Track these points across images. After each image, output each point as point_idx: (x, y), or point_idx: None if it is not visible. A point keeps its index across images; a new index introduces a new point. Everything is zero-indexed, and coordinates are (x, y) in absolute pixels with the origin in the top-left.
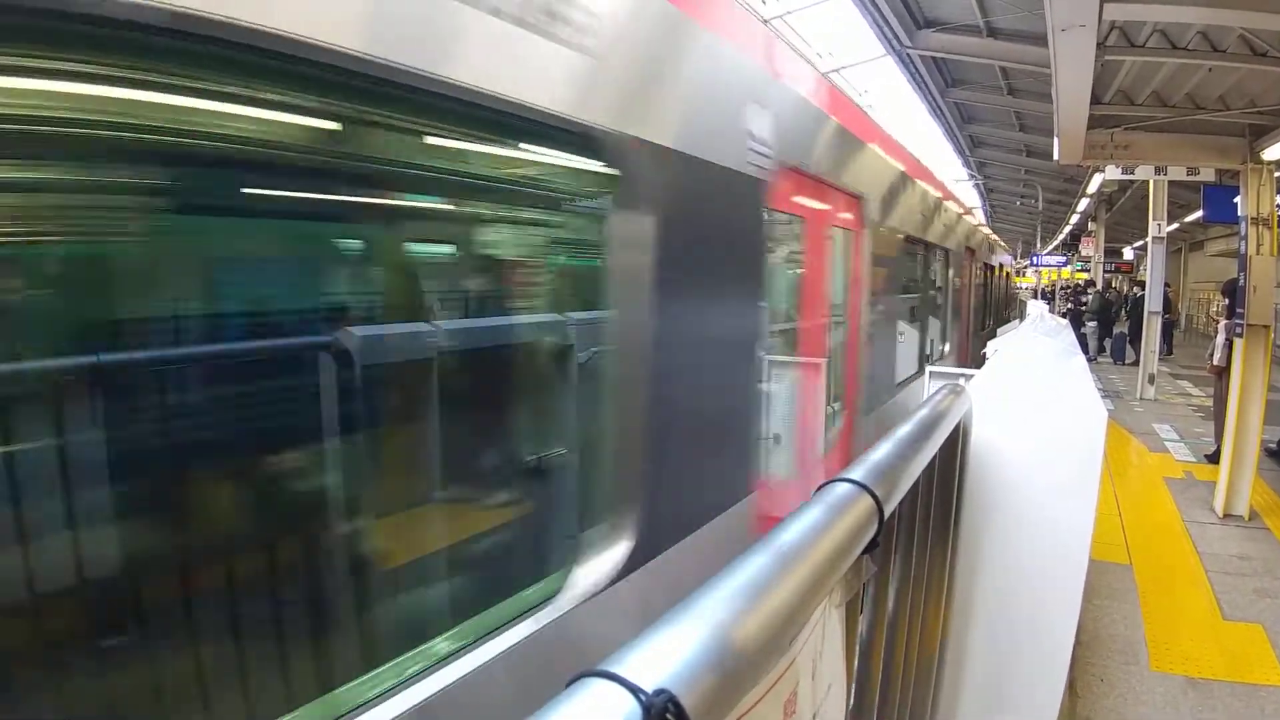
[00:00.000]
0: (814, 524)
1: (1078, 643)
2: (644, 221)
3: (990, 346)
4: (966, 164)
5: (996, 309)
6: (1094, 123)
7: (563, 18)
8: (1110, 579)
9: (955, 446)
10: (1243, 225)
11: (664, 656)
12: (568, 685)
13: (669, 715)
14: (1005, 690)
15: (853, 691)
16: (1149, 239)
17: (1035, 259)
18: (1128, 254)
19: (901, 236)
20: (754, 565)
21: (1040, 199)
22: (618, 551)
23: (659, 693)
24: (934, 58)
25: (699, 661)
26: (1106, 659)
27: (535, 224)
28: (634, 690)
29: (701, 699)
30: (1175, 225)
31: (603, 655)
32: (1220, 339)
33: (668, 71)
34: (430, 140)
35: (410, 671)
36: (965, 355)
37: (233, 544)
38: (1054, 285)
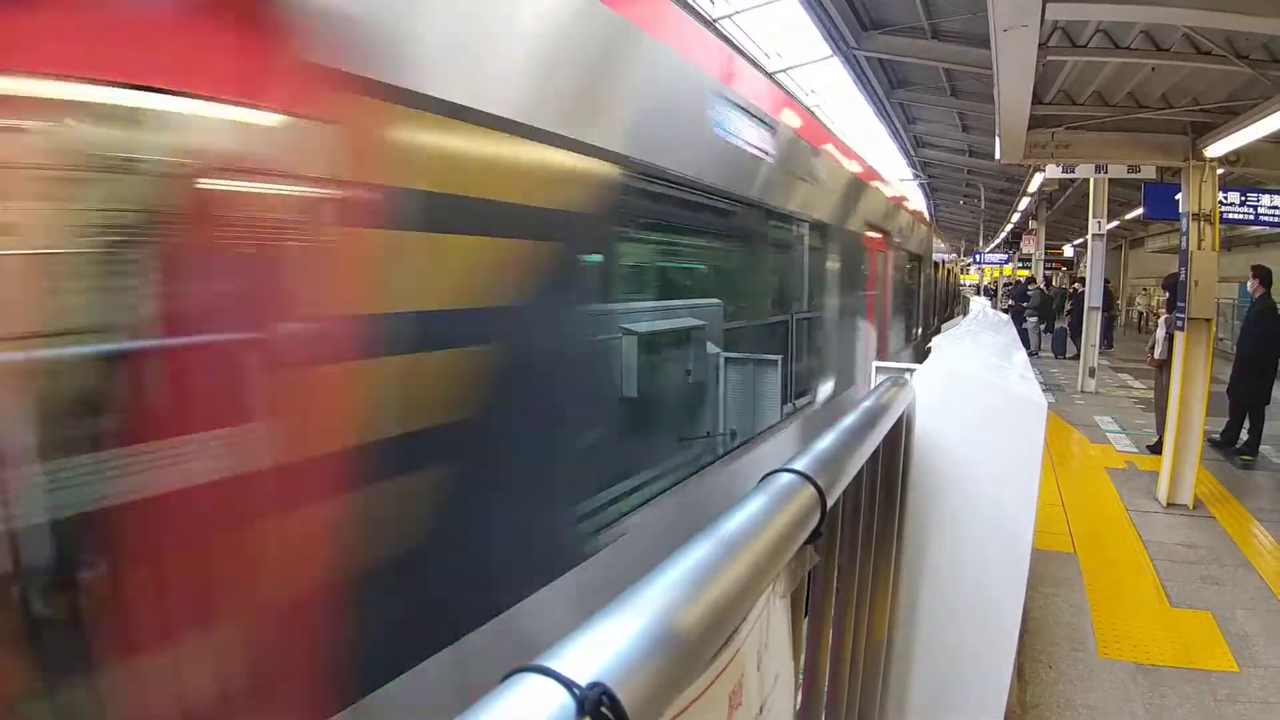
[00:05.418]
0: (755, 514)
1: (1025, 630)
2: None
3: (934, 341)
4: (911, 164)
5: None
6: (1035, 123)
7: None
8: (1055, 568)
9: (899, 438)
10: (1184, 221)
11: (601, 649)
12: (502, 680)
13: (604, 709)
14: (954, 677)
15: (801, 682)
16: (1089, 236)
17: (978, 257)
18: (1068, 251)
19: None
20: (694, 556)
21: (982, 198)
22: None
23: (593, 686)
24: (880, 59)
25: (637, 653)
26: (1054, 646)
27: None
28: (568, 684)
29: (639, 691)
30: (1115, 223)
31: None
32: (1161, 333)
33: None
34: None
35: None
36: None
37: None
38: (996, 282)
